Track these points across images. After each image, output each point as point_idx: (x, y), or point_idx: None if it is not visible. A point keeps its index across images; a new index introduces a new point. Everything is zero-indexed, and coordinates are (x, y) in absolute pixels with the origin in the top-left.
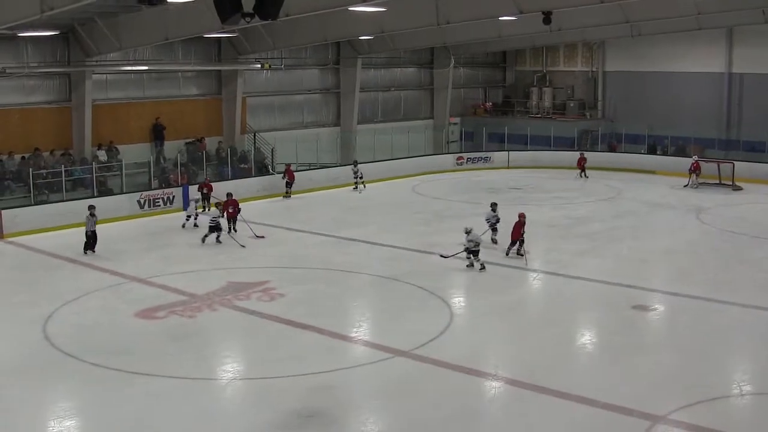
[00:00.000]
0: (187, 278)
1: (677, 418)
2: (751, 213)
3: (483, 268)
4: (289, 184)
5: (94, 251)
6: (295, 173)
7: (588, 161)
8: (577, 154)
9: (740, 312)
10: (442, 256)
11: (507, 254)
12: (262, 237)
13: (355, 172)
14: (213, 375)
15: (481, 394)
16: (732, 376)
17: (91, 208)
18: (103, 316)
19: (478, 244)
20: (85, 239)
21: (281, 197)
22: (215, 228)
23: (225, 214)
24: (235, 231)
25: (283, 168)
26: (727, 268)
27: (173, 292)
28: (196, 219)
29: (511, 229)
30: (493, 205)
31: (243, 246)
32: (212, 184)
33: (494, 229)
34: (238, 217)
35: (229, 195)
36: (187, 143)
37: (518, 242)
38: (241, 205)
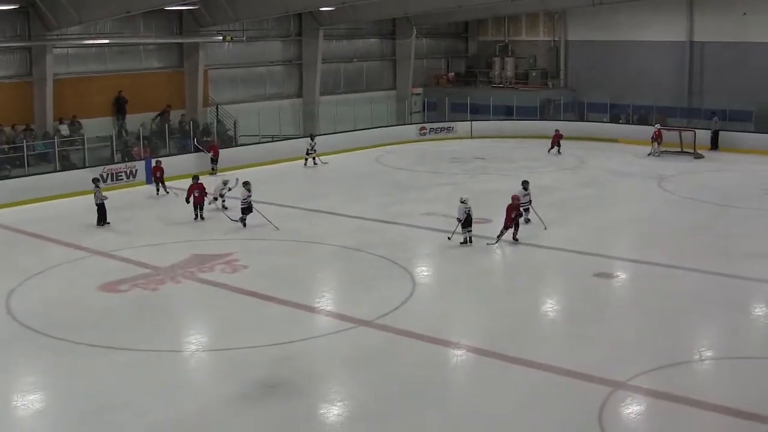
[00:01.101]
0: (151, 251)
1: (637, 384)
2: (712, 181)
3: (466, 242)
4: (214, 161)
5: (108, 222)
6: (219, 150)
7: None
8: (539, 125)
9: (701, 279)
10: (449, 238)
11: (496, 243)
12: (236, 221)
13: (312, 146)
14: (177, 347)
15: (444, 362)
16: (693, 342)
17: (95, 181)
18: (67, 290)
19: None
20: (97, 214)
21: (208, 175)
22: (248, 209)
23: (191, 199)
24: (203, 219)
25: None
26: (689, 236)
27: (137, 265)
28: (224, 201)
29: (505, 214)
30: (525, 184)
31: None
32: (162, 160)
33: (525, 210)
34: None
35: (194, 179)
36: (158, 114)
37: (512, 227)
38: (206, 183)
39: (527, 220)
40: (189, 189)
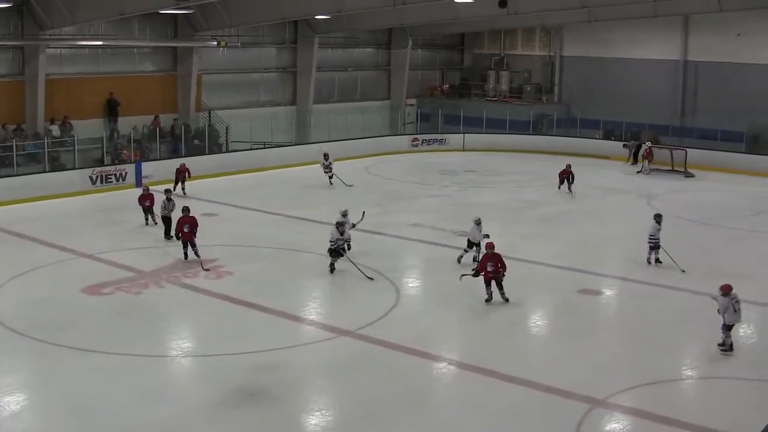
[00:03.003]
0: (137, 255)
1: (616, 402)
2: (701, 199)
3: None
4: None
5: (171, 236)
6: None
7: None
8: (532, 139)
9: (687, 298)
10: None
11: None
12: (207, 270)
13: (327, 166)
14: (157, 352)
15: (425, 374)
16: (675, 361)
17: (168, 192)
18: (50, 292)
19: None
20: (164, 225)
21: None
22: (336, 253)
23: (179, 235)
24: (197, 256)
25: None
26: (675, 254)
27: (121, 268)
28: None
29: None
30: (658, 218)
31: (207, 269)
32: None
33: (656, 247)
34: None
35: (185, 210)
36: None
37: (493, 282)
38: (194, 188)
39: (658, 261)
40: (179, 222)
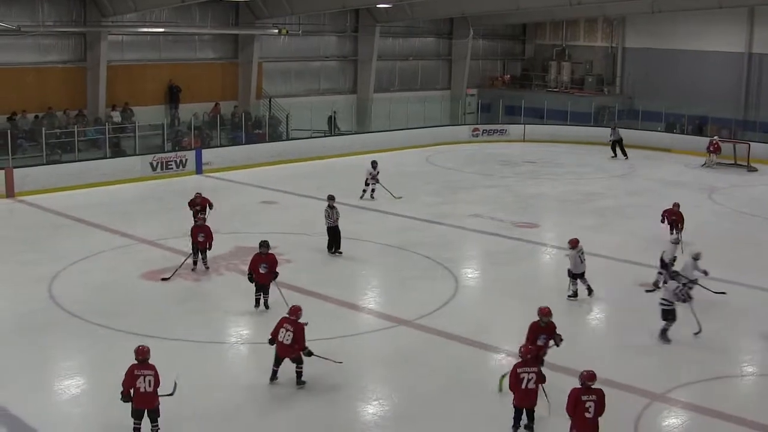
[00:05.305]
0: None
1: (675, 397)
2: (764, 194)
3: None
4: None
5: (340, 251)
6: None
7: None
8: (592, 131)
9: (747, 293)
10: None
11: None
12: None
13: (373, 174)
14: (215, 338)
15: (482, 365)
16: (734, 358)
17: (330, 199)
18: (110, 277)
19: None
20: (328, 237)
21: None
22: (670, 314)
23: (252, 276)
24: (267, 307)
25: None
26: (737, 249)
27: (181, 255)
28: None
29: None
30: None
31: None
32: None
33: None
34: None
35: (263, 246)
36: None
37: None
38: (255, 175)
39: None
40: (252, 261)
